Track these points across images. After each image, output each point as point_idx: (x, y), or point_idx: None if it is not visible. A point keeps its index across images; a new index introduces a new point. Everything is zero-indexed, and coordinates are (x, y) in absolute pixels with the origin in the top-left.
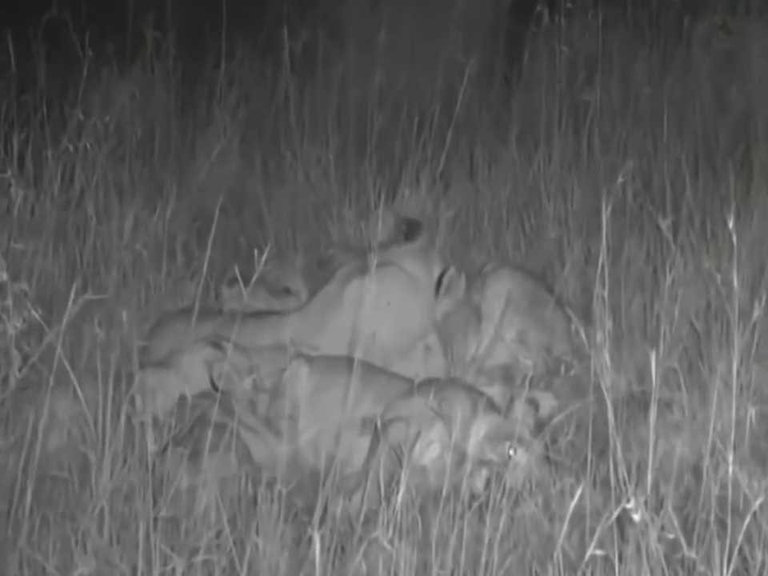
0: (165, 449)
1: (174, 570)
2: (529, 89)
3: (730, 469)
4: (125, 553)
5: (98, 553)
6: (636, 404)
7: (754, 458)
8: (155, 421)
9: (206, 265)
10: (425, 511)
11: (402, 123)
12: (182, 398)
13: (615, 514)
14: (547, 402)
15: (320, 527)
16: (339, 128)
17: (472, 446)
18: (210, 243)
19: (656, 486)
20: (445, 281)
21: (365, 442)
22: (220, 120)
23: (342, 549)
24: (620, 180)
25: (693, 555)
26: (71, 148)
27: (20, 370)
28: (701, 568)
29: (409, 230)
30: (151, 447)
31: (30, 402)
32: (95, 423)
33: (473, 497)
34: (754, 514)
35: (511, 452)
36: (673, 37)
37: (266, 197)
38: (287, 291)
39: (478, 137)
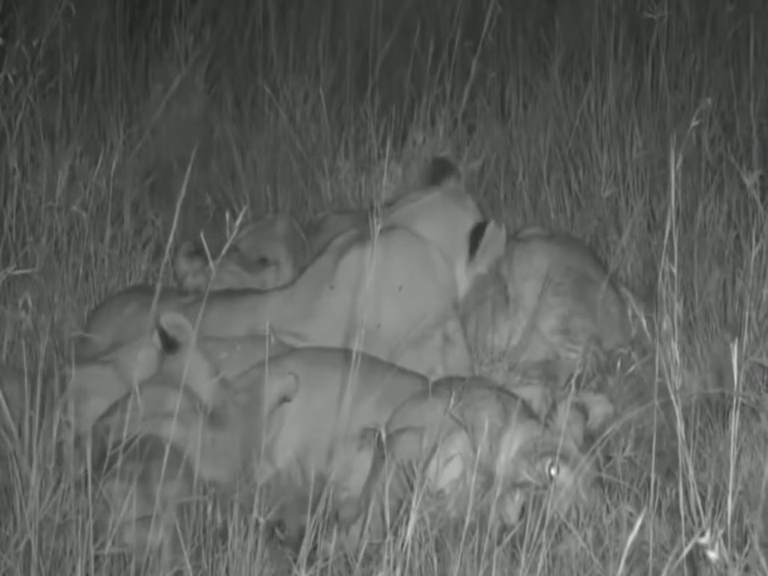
0: (108, 468)
1: None
2: (577, 4)
3: None
4: None
5: None
6: (713, 410)
7: None
8: (95, 432)
9: (173, 232)
10: (442, 547)
11: (414, 50)
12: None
13: (686, 550)
14: (599, 408)
15: (308, 567)
16: (332, 56)
17: (503, 464)
18: (178, 205)
19: (738, 515)
20: (486, 237)
21: (365, 459)
22: (180, 44)
23: None
24: (693, 123)
25: None
26: None
27: None
28: None
29: (437, 172)
30: (91, 466)
31: None
32: (19, 434)
33: (503, 528)
34: None
35: (553, 471)
36: None
37: (239, 144)
38: (264, 262)
39: (510, 67)
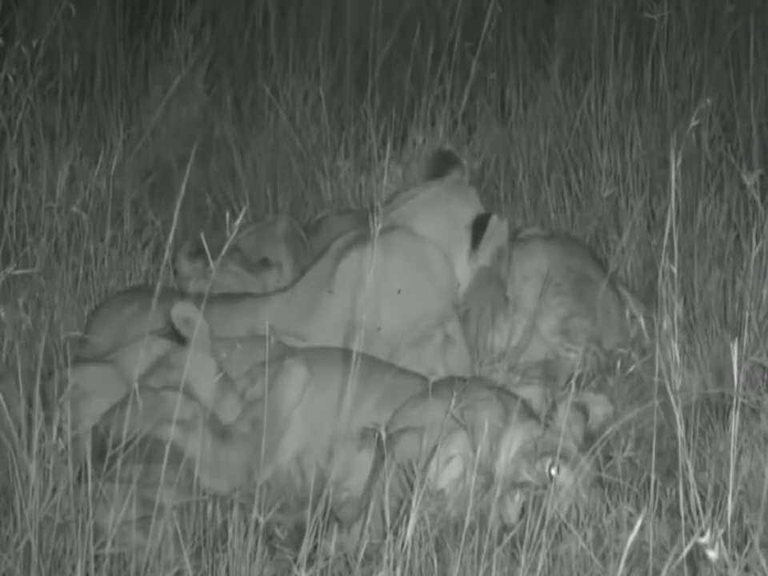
0: (108, 468)
1: None
2: (576, 4)
3: None
4: None
5: None
6: (713, 410)
7: None
8: (95, 432)
9: (173, 232)
10: (442, 547)
11: (413, 50)
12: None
13: (686, 550)
14: (599, 408)
15: (308, 567)
16: (332, 56)
17: (503, 464)
18: (178, 205)
19: (738, 515)
20: (489, 228)
21: (366, 459)
22: (179, 44)
23: None
24: (693, 123)
25: None
26: None
27: None
28: None
29: (441, 164)
30: (90, 466)
31: None
32: (19, 434)
33: (503, 528)
34: None
35: (553, 471)
36: None
37: (239, 144)
38: (266, 263)
39: (510, 67)
